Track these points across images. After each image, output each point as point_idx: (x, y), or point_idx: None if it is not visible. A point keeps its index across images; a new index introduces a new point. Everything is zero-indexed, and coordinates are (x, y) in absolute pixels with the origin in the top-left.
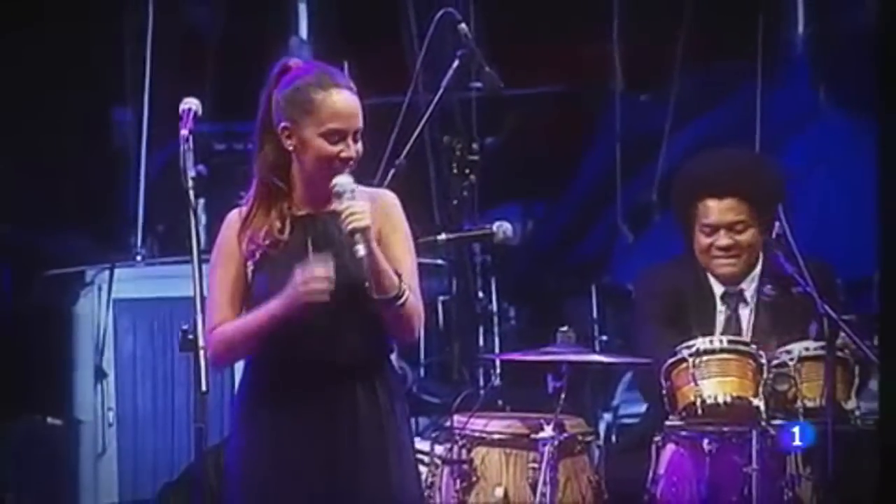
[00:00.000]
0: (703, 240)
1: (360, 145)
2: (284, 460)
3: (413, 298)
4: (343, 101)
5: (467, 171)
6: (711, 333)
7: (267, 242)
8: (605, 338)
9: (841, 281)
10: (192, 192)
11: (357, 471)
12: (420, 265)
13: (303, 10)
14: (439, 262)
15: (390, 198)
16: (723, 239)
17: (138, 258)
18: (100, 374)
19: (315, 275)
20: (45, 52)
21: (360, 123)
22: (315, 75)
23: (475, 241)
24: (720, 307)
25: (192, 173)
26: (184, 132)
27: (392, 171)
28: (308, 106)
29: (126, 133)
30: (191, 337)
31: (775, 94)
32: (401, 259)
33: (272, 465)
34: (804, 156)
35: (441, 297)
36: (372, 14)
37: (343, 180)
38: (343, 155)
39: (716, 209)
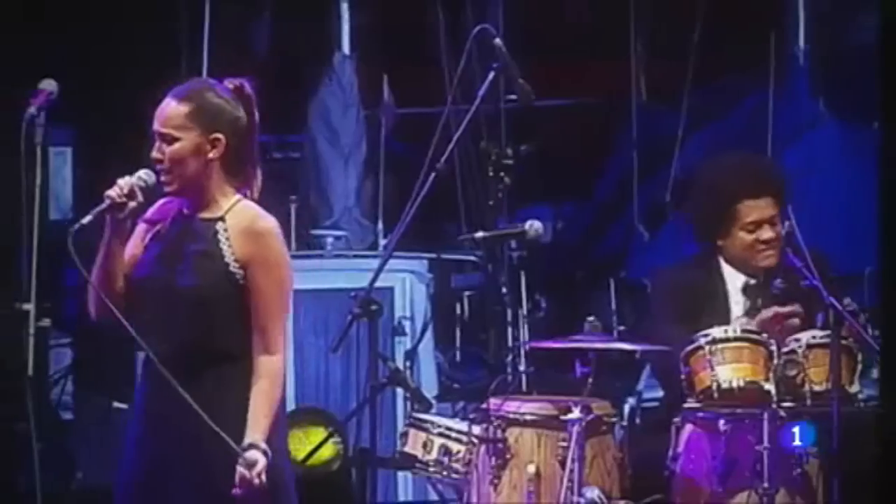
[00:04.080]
0: (746, 237)
1: (169, 149)
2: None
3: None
4: (161, 107)
5: (502, 174)
6: (725, 325)
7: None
8: (622, 328)
9: (834, 273)
10: None
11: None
12: (452, 261)
13: (345, 26)
14: (473, 258)
15: (265, 225)
16: (766, 232)
17: None
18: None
19: (118, 181)
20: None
21: (164, 129)
22: None
23: (509, 238)
24: (739, 297)
25: None
26: None
27: (433, 175)
28: None
29: None
30: None
31: (779, 103)
32: (261, 293)
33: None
34: (805, 161)
35: (467, 293)
36: (411, 30)
37: (141, 171)
38: (151, 155)
39: (756, 207)
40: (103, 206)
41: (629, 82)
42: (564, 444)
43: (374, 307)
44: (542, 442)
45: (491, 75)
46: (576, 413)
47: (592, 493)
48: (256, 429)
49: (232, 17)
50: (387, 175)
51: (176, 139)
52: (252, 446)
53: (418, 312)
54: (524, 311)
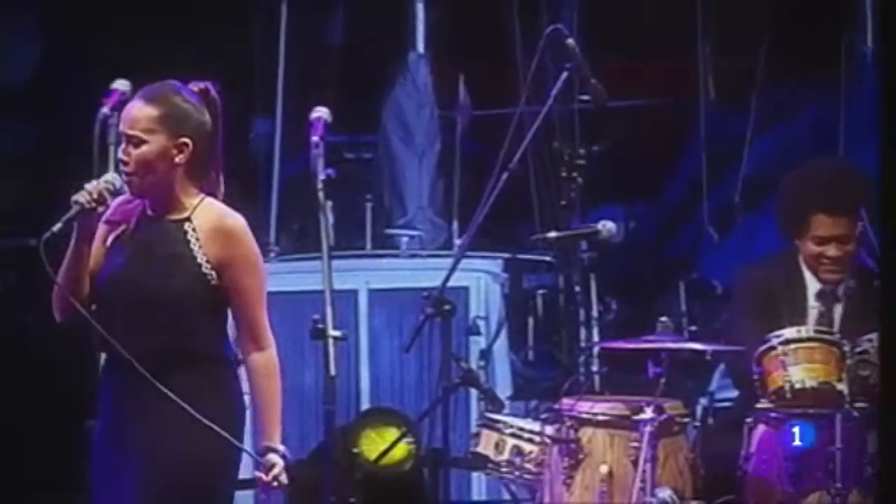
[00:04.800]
0: (812, 248)
1: (136, 152)
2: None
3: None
4: (129, 108)
5: (574, 174)
6: (802, 325)
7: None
8: (693, 328)
9: None
10: (321, 195)
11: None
12: (526, 261)
13: (420, 26)
14: (547, 258)
15: (234, 223)
16: (832, 251)
17: (273, 254)
18: (236, 361)
19: (86, 186)
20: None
21: (131, 130)
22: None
23: (581, 238)
24: (814, 303)
25: (321, 177)
26: (314, 139)
27: (505, 175)
28: None
29: (263, 140)
30: (320, 326)
31: (848, 103)
32: (245, 293)
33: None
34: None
35: (541, 291)
36: (485, 30)
37: (108, 175)
38: (118, 156)
39: (828, 223)
40: (73, 212)
41: (698, 82)
42: (637, 444)
43: (446, 307)
44: (615, 442)
45: (563, 75)
46: (648, 413)
47: (665, 493)
48: (270, 431)
49: (306, 15)
50: (461, 174)
51: (143, 142)
52: (269, 449)
53: (493, 312)
54: (595, 311)
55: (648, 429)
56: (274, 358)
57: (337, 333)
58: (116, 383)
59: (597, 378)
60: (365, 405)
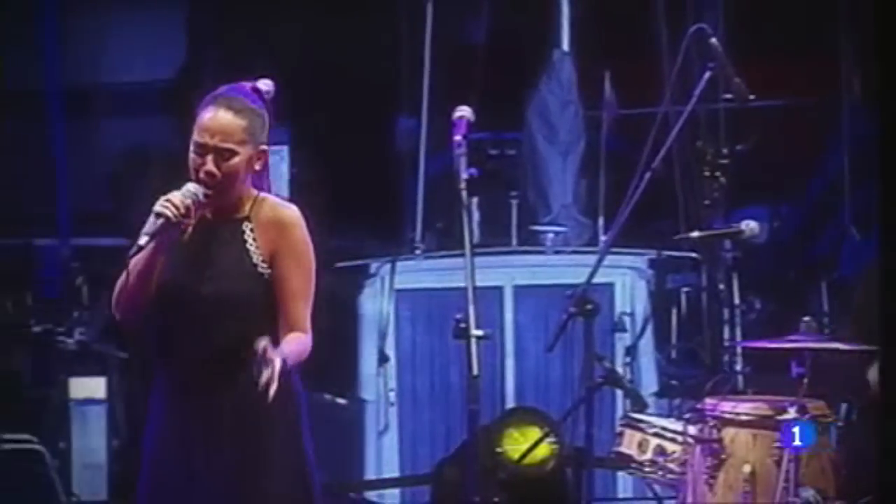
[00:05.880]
0: None
1: (223, 165)
2: (168, 444)
3: (296, 351)
4: (211, 117)
5: (717, 174)
6: None
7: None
8: (835, 328)
9: None
10: (464, 192)
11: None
12: (670, 259)
13: (565, 23)
14: (693, 255)
15: (290, 215)
16: None
17: (418, 252)
18: (382, 358)
19: (169, 196)
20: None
21: (223, 143)
22: (216, 93)
23: (724, 238)
24: None
25: (464, 175)
26: (457, 138)
27: (648, 175)
28: (196, 119)
29: (407, 138)
30: (463, 326)
31: None
32: (289, 281)
33: (162, 448)
34: None
35: (684, 289)
36: (629, 28)
37: (190, 185)
38: (202, 170)
39: None
40: (159, 225)
41: (841, 81)
42: (780, 444)
43: (589, 307)
44: (758, 442)
45: (707, 75)
46: (791, 413)
47: (808, 493)
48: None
49: (451, 14)
50: (606, 172)
51: (235, 154)
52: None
53: (639, 309)
54: (738, 310)
55: None
56: (309, 342)
57: (479, 333)
58: (175, 389)
59: (740, 377)
60: (510, 403)
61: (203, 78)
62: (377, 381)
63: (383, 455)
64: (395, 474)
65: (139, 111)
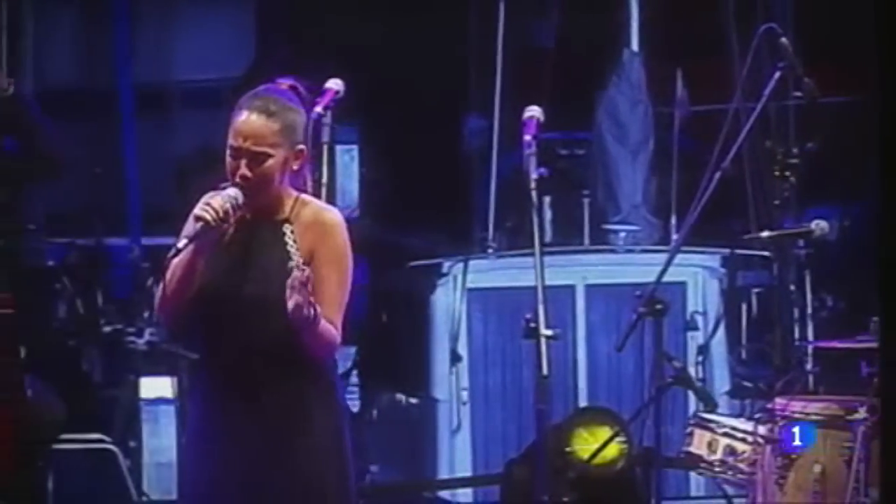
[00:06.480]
0: None
1: (259, 168)
2: (209, 448)
3: (324, 328)
4: (244, 121)
5: (787, 173)
6: None
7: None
8: None
9: None
10: (534, 192)
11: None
12: (742, 258)
13: (634, 24)
14: (765, 254)
15: (331, 218)
16: None
17: (489, 251)
18: (454, 357)
19: (207, 199)
20: (396, 64)
21: (256, 146)
22: (250, 94)
23: (794, 238)
24: None
25: (534, 175)
26: (527, 138)
27: (718, 175)
28: (231, 121)
29: (478, 137)
30: (532, 325)
31: None
32: (325, 283)
33: (202, 451)
34: None
35: (755, 289)
36: (699, 28)
37: (230, 190)
38: (237, 173)
39: None
40: (198, 229)
41: None
42: (850, 444)
43: (658, 306)
44: (828, 442)
45: (776, 74)
46: (861, 413)
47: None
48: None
49: (522, 13)
50: (678, 172)
51: (269, 157)
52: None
53: (710, 308)
54: (810, 309)
55: (862, 429)
56: (339, 337)
57: (549, 332)
58: (217, 388)
59: (811, 377)
60: (582, 403)
61: (273, 76)
62: (450, 381)
63: (455, 454)
64: (468, 473)
65: (210, 110)
